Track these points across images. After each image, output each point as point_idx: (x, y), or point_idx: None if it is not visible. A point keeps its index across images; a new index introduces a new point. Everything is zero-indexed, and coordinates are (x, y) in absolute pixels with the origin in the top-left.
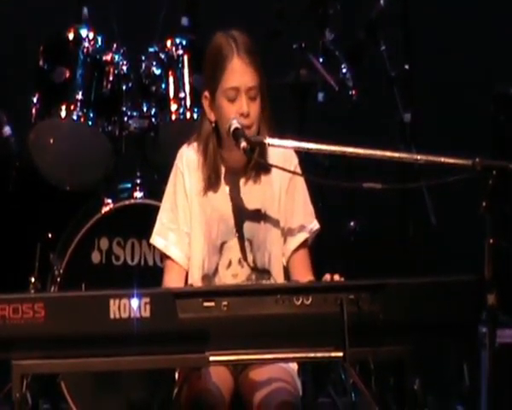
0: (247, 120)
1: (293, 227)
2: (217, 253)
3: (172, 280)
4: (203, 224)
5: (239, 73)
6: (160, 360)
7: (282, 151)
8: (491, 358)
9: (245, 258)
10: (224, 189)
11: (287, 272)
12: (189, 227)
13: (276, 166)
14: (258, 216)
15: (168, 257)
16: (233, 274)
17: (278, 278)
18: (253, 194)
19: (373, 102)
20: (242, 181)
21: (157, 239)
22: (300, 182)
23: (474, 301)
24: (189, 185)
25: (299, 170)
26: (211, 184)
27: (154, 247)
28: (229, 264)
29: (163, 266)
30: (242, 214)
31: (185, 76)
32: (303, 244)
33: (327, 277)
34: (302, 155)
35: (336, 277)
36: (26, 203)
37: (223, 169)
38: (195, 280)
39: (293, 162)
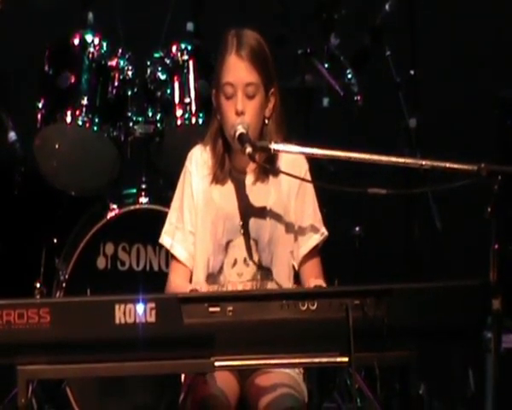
0: (242, 118)
1: (303, 233)
2: (222, 251)
3: (176, 281)
4: (209, 222)
5: (234, 69)
6: (165, 365)
7: (292, 157)
8: (496, 363)
9: (250, 257)
10: (231, 188)
11: (297, 276)
12: (194, 226)
13: (284, 172)
14: (264, 216)
15: (174, 257)
16: (238, 273)
17: (278, 277)
18: (260, 194)
19: (378, 108)
20: (250, 181)
21: (165, 238)
22: (310, 189)
23: (479, 306)
24: (196, 184)
25: (308, 177)
26: (218, 182)
27: (160, 251)
28: (235, 263)
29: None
30: (248, 213)
31: (190, 81)
32: (313, 251)
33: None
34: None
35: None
36: (32, 208)
37: (230, 168)
38: (200, 279)
39: (303, 168)
